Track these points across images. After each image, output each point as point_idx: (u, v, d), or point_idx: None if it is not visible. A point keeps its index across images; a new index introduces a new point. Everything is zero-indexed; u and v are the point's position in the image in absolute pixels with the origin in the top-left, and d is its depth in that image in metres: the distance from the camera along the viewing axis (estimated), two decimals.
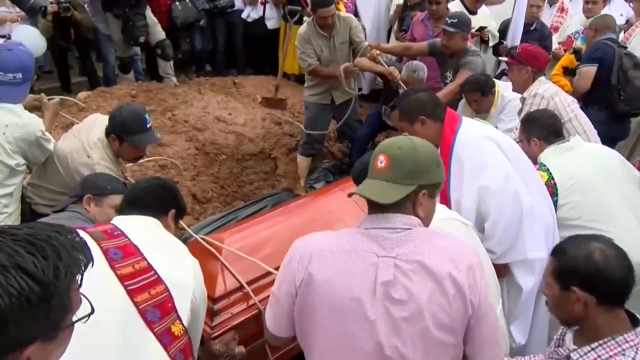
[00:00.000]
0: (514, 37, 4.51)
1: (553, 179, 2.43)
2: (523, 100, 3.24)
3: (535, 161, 2.59)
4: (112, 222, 1.69)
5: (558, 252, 1.59)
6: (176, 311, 1.50)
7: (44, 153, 2.69)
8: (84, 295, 0.92)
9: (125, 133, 2.56)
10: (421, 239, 1.35)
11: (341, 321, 1.34)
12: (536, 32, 4.78)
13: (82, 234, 1.47)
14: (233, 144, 4.59)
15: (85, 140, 2.64)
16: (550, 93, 3.12)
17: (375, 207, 1.40)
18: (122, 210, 1.79)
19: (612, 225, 2.32)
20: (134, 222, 1.69)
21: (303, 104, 4.76)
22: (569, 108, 3.11)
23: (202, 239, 2.28)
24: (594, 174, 2.44)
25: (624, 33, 5.01)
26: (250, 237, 2.39)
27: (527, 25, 4.67)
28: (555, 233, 2.32)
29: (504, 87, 3.72)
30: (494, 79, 3.86)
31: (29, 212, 2.80)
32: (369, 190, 1.39)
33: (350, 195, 1.45)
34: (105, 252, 1.49)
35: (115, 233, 1.57)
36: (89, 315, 0.91)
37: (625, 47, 4.14)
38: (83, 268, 0.89)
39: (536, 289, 2.23)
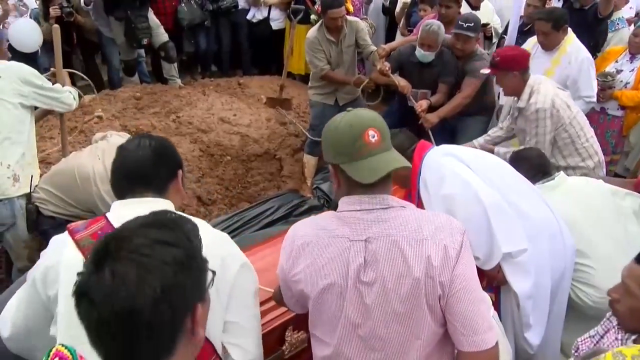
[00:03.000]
0: (510, 38, 4.43)
1: None
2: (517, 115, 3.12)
3: None
4: (108, 215, 1.41)
5: None
6: None
7: (51, 93, 2.85)
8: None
9: None
10: (395, 219, 1.34)
11: (322, 306, 1.40)
12: (530, 34, 4.46)
13: (69, 244, 1.35)
14: (238, 145, 4.56)
15: (109, 167, 2.66)
16: (549, 103, 2.97)
17: (363, 185, 1.34)
18: (116, 188, 1.47)
19: (597, 262, 2.29)
20: (132, 210, 1.35)
21: (308, 103, 4.73)
22: (568, 111, 3.00)
23: None
24: (578, 211, 2.38)
25: (634, 26, 4.92)
26: None
27: (524, 25, 4.57)
28: (565, 234, 2.25)
29: (577, 42, 3.64)
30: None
31: (35, 213, 2.85)
32: (380, 166, 1.32)
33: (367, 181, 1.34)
34: None
35: None
36: (214, 275, 0.96)
37: None
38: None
39: (545, 289, 2.15)
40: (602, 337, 1.64)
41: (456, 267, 1.31)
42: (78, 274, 0.85)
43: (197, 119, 4.69)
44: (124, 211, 1.38)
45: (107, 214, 1.42)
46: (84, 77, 3.84)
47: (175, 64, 5.49)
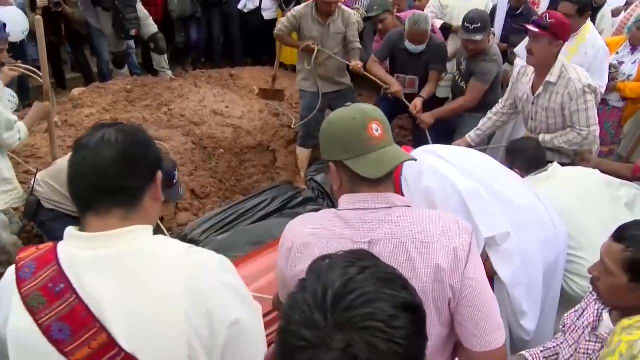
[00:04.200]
0: (497, 22, 4.41)
1: None
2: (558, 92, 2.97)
3: None
4: (60, 252, 1.07)
5: (632, 240, 1.45)
6: None
7: None
8: None
9: None
10: (400, 219, 1.29)
11: None
12: (521, 17, 4.48)
13: (15, 299, 1.04)
14: (231, 137, 4.52)
15: None
16: (589, 79, 2.92)
17: (369, 182, 1.30)
18: (74, 198, 1.13)
19: (590, 254, 2.23)
20: (91, 251, 1.06)
21: (299, 93, 4.68)
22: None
23: None
24: (572, 202, 2.36)
25: (625, 13, 4.92)
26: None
27: (513, 9, 4.54)
28: (557, 223, 2.24)
29: (595, 30, 3.60)
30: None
31: (35, 205, 2.87)
32: (388, 160, 1.29)
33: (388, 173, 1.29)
34: (46, 330, 1.02)
35: (58, 289, 1.03)
36: None
37: None
38: None
39: (536, 278, 2.14)
40: (584, 310, 1.68)
41: (466, 269, 1.27)
42: (300, 327, 0.72)
43: (189, 111, 4.64)
44: (81, 252, 1.06)
45: (59, 250, 1.08)
46: (36, 73, 3.56)
47: (166, 56, 5.42)
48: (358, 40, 4.25)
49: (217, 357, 1.07)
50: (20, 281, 1.06)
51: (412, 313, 0.74)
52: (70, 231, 1.11)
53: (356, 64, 4.04)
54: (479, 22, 3.54)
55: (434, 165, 2.06)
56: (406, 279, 0.81)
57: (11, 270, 1.10)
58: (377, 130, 1.29)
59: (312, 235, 1.34)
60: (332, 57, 4.16)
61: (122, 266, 1.05)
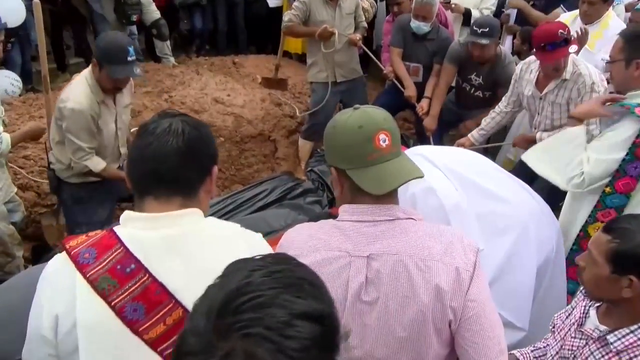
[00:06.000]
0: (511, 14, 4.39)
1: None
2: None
3: (623, 90, 2.24)
4: (120, 234, 1.09)
5: (619, 232, 1.44)
6: None
7: None
8: None
9: (104, 60, 2.58)
10: (401, 234, 1.22)
11: None
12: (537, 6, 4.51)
13: (80, 285, 1.03)
14: (231, 126, 4.49)
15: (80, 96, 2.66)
16: (598, 76, 2.90)
17: (371, 194, 1.22)
18: (134, 183, 1.15)
19: None
20: (157, 231, 1.09)
21: (309, 87, 4.59)
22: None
23: None
24: None
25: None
26: None
27: None
28: (551, 219, 2.22)
29: (617, 17, 3.61)
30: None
31: (55, 180, 2.92)
32: (392, 176, 1.22)
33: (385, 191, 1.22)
34: (120, 311, 1.03)
35: (129, 269, 1.05)
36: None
37: None
38: None
39: (522, 276, 2.09)
40: (573, 309, 1.67)
41: (469, 291, 1.20)
42: (188, 334, 0.68)
43: (190, 98, 4.60)
44: (144, 233, 1.08)
45: (119, 232, 1.09)
46: None
47: (168, 42, 5.38)
48: (363, 19, 4.31)
49: None
50: (82, 267, 1.05)
51: (315, 323, 0.67)
52: (128, 215, 1.12)
53: (354, 35, 4.09)
54: (487, 26, 3.50)
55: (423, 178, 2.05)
56: (322, 286, 0.74)
57: (61, 261, 1.09)
58: (384, 141, 1.21)
59: (309, 248, 1.27)
60: (347, 42, 4.13)
61: (187, 246, 1.09)
